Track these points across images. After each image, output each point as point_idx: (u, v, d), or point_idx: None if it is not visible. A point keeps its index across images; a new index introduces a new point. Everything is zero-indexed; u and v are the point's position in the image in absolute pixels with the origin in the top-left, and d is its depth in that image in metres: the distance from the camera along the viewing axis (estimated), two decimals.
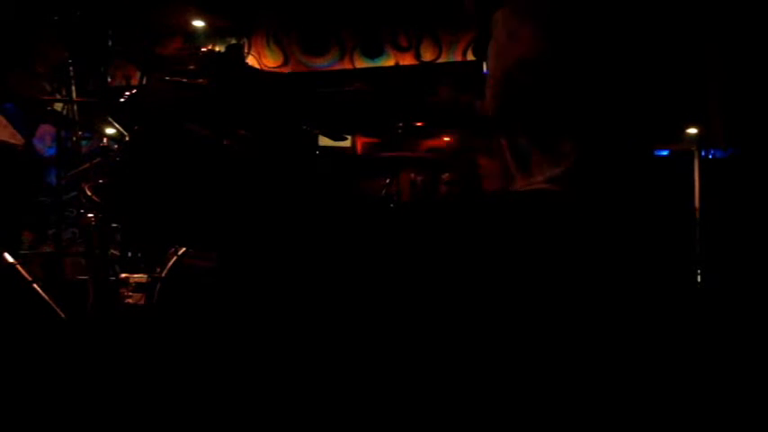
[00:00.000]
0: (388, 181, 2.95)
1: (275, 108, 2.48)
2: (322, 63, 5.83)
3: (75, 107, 3.48)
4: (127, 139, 2.62)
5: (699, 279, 3.28)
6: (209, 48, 2.57)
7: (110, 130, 3.10)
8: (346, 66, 5.80)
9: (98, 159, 3.02)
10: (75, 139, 3.58)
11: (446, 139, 4.34)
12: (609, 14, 1.88)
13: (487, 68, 2.17)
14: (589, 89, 1.84)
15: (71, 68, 3.46)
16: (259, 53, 5.77)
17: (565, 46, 1.80)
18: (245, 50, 5.56)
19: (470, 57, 5.48)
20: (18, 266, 2.69)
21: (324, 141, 3.15)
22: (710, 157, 3.65)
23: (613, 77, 1.86)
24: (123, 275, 2.73)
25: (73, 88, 3.48)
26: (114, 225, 2.81)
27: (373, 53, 5.77)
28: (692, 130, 3.68)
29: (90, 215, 2.74)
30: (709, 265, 3.28)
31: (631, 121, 1.90)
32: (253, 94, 2.46)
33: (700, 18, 3.46)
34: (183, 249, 2.53)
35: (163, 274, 2.52)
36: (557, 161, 1.80)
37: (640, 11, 1.92)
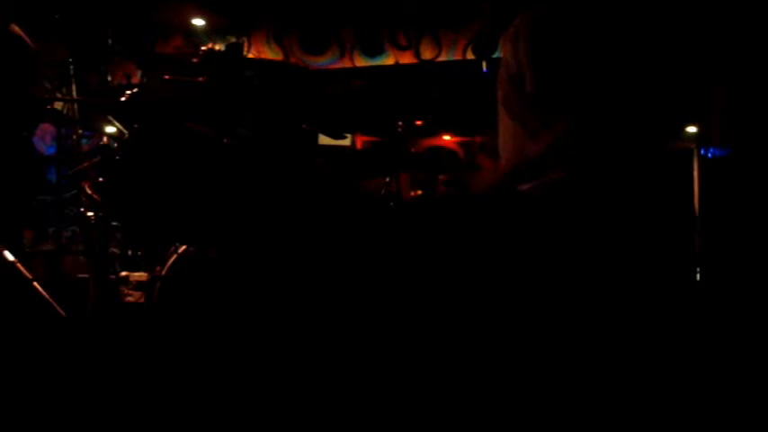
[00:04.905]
0: (387, 180, 2.95)
1: (275, 106, 2.48)
2: (322, 62, 5.83)
3: (76, 106, 3.48)
4: (127, 137, 2.63)
5: (698, 277, 3.28)
6: (209, 46, 2.56)
7: (110, 129, 3.10)
8: (346, 64, 5.80)
9: (98, 158, 3.02)
10: (75, 137, 3.58)
11: (446, 138, 4.34)
12: (600, 20, 1.89)
13: (488, 67, 2.18)
14: (589, 92, 1.85)
15: (71, 67, 3.47)
16: (259, 51, 5.76)
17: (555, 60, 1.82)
18: (245, 49, 5.56)
19: (470, 56, 5.48)
20: (18, 265, 2.69)
21: (324, 140, 3.15)
22: (710, 155, 3.65)
23: (612, 81, 1.87)
24: (123, 274, 2.72)
25: (73, 87, 3.49)
26: (114, 223, 2.81)
27: (373, 52, 5.77)
28: (692, 129, 3.68)
29: (90, 213, 2.74)
30: (708, 262, 3.28)
31: (634, 122, 1.91)
32: (252, 92, 2.46)
33: (700, 19, 3.46)
34: (184, 247, 2.53)
35: (163, 273, 2.52)
36: (560, 160, 1.81)
37: (635, 15, 1.93)
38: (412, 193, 2.46)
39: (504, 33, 1.99)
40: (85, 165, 3.09)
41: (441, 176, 3.52)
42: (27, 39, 2.96)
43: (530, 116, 1.89)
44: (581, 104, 1.83)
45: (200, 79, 2.47)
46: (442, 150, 4.37)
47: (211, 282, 2.32)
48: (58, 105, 3.82)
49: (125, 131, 2.87)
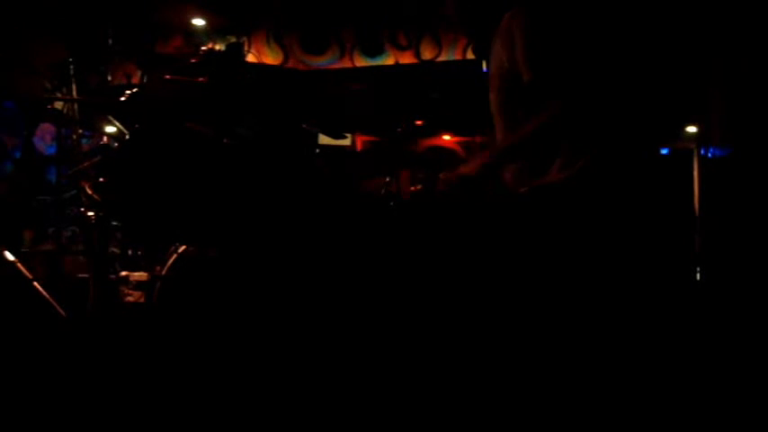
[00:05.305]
0: (387, 179, 2.95)
1: (275, 107, 2.48)
2: (322, 62, 5.82)
3: (76, 105, 3.48)
4: (127, 137, 2.63)
5: (698, 277, 3.28)
6: (210, 46, 2.56)
7: (110, 129, 3.10)
8: (346, 64, 5.80)
9: (98, 158, 3.02)
10: (75, 137, 3.58)
11: (446, 137, 4.34)
12: (600, 22, 1.88)
13: (488, 67, 2.17)
14: (590, 96, 1.84)
15: (71, 67, 3.46)
16: (259, 51, 5.76)
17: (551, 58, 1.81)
18: (245, 49, 5.55)
19: (470, 55, 5.48)
20: (18, 264, 2.69)
21: (324, 140, 3.15)
22: (710, 155, 3.65)
23: (613, 82, 1.87)
24: (123, 273, 2.73)
25: (73, 87, 3.49)
26: (114, 223, 2.81)
27: (373, 52, 5.77)
28: (692, 129, 3.69)
29: (90, 213, 2.75)
30: (708, 262, 3.29)
31: (636, 123, 1.90)
32: (252, 92, 2.46)
33: (701, 20, 3.47)
34: (184, 247, 2.53)
35: (163, 273, 2.52)
36: (562, 162, 1.81)
37: (635, 17, 1.92)
38: (412, 188, 2.46)
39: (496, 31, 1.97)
40: (85, 165, 3.09)
41: (440, 175, 3.51)
42: None
43: (522, 111, 1.88)
44: (574, 97, 1.82)
45: (201, 79, 2.47)
46: (442, 150, 4.37)
47: (211, 282, 2.32)
48: (58, 105, 3.82)
49: (125, 131, 2.87)
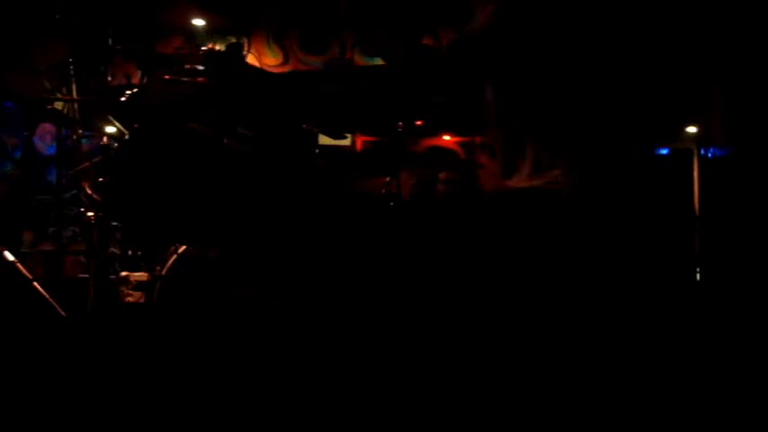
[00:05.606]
0: (388, 179, 2.95)
1: (275, 107, 2.48)
2: (322, 62, 5.82)
3: (76, 106, 3.48)
4: (127, 137, 2.63)
5: (698, 277, 3.28)
6: (210, 47, 2.57)
7: (110, 129, 3.10)
8: None
9: (98, 158, 3.02)
10: (75, 137, 3.58)
11: (446, 137, 4.34)
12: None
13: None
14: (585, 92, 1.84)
15: (71, 67, 3.46)
16: (259, 52, 5.76)
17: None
18: (245, 49, 5.55)
19: None
20: (18, 265, 2.69)
21: (324, 140, 3.15)
22: (710, 155, 3.65)
23: (608, 78, 1.86)
24: (123, 274, 2.73)
25: (73, 87, 3.48)
26: (114, 223, 2.81)
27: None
28: (692, 129, 3.68)
29: (90, 213, 2.75)
30: (708, 262, 3.28)
31: (633, 122, 1.90)
32: (253, 92, 2.46)
33: (700, 18, 3.46)
34: (184, 247, 2.53)
35: (163, 273, 2.53)
36: (560, 161, 1.81)
37: (634, 13, 1.92)
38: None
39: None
40: (86, 165, 3.09)
41: (441, 175, 3.52)
42: None
43: (519, 112, 1.88)
44: (574, 98, 1.82)
45: (201, 79, 2.47)
46: (442, 150, 4.37)
47: (211, 282, 2.33)
48: (58, 105, 3.82)
49: (125, 131, 2.87)
